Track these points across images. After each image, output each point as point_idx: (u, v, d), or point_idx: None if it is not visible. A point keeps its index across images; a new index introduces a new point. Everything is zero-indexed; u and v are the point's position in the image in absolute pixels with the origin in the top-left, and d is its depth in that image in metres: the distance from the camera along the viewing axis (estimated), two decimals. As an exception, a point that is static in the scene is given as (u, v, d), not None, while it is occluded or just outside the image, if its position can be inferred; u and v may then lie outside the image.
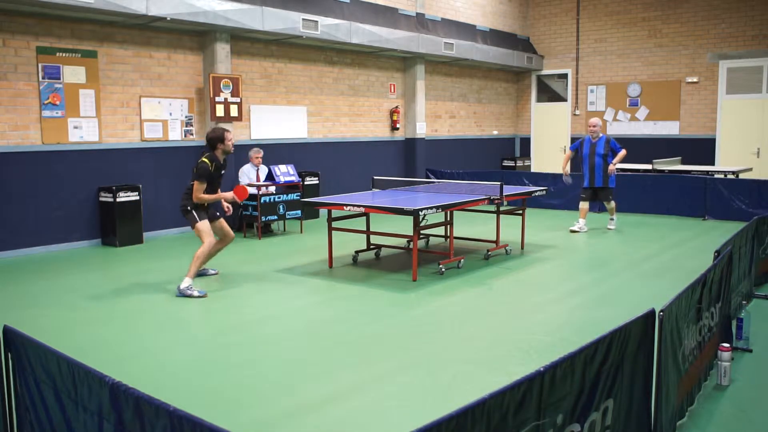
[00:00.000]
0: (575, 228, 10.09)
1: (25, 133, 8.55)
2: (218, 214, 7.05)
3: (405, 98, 14.21)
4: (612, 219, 10.33)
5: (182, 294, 6.37)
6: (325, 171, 12.33)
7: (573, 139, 16.63)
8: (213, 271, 7.38)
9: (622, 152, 9.89)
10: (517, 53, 16.20)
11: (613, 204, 10.21)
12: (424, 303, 6.26)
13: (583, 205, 10.14)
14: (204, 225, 6.63)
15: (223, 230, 6.99)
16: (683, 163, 14.21)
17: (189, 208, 6.66)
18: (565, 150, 16.80)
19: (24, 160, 8.53)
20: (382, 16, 12.62)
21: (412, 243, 7.71)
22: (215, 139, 6.65)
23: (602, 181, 9.97)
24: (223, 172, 6.80)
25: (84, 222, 9.17)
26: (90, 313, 5.92)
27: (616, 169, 10.04)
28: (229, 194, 6.80)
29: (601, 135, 10.06)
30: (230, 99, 10.36)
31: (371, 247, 8.38)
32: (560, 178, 11.32)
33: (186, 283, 6.43)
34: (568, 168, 10.38)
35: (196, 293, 6.38)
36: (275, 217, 9.99)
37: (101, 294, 6.59)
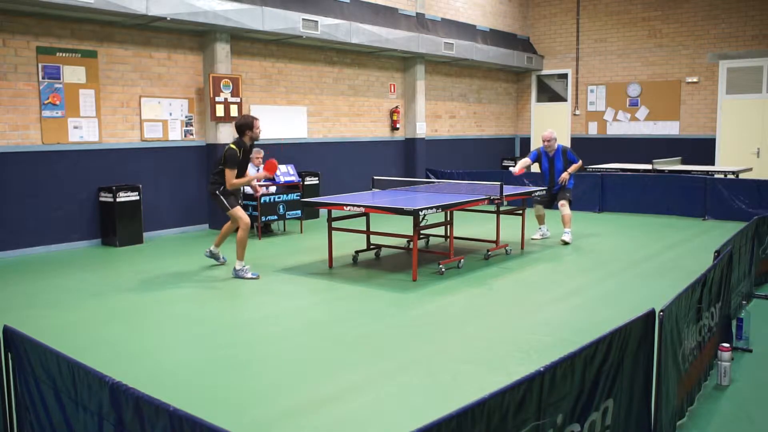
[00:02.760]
0: (536, 236, 9.52)
1: (25, 133, 8.55)
2: (240, 201, 7.47)
3: (405, 98, 14.20)
4: (566, 231, 9.16)
5: (238, 275, 6.88)
6: (325, 171, 12.33)
7: (572, 140, 16.64)
8: (223, 259, 7.72)
9: (578, 164, 9.31)
10: (517, 53, 16.19)
11: (568, 211, 9.17)
12: (424, 303, 6.26)
13: (539, 211, 9.46)
14: (237, 210, 7.03)
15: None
16: (683, 163, 14.20)
17: (218, 192, 7.03)
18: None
19: (24, 160, 8.53)
20: (382, 16, 12.62)
21: (412, 243, 7.71)
22: (244, 125, 6.94)
23: (560, 187, 9.30)
24: (250, 156, 7.22)
25: (84, 222, 9.17)
26: (90, 313, 5.92)
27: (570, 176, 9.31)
28: (261, 173, 7.19)
29: (557, 146, 9.37)
30: (230, 99, 10.36)
31: (371, 247, 8.38)
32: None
33: (239, 265, 6.95)
34: (517, 170, 9.15)
35: (249, 275, 6.90)
36: (275, 217, 9.99)
37: (101, 294, 6.59)
